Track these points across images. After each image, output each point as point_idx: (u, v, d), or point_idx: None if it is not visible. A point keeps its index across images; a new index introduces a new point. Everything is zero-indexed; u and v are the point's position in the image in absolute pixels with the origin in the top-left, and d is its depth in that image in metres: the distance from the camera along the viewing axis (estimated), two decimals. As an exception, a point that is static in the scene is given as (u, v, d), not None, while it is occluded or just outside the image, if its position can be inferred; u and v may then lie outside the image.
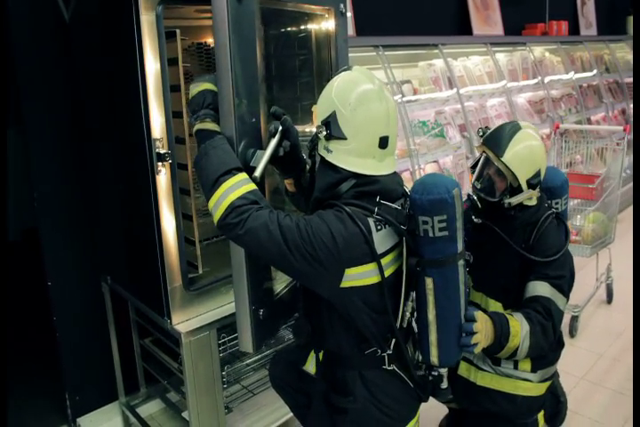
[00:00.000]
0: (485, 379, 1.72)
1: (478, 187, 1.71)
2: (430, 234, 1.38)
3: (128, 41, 1.58)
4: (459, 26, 4.25)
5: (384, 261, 1.35)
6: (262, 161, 1.38)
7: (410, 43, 3.59)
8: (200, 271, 1.87)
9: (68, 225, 2.23)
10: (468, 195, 1.73)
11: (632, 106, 5.56)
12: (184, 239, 1.77)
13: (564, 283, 1.64)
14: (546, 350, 1.64)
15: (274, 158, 1.41)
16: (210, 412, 1.88)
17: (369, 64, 3.11)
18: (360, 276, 1.32)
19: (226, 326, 1.87)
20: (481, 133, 1.74)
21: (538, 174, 1.65)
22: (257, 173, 1.36)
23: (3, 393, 1.67)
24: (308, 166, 1.56)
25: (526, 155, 1.63)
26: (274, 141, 1.40)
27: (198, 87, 1.43)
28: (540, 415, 1.81)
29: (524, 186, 1.64)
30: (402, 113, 3.17)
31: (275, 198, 1.81)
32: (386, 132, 1.34)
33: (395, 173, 1.43)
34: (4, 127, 2.04)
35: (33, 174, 2.12)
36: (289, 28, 2.06)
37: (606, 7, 6.37)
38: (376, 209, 1.33)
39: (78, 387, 2.35)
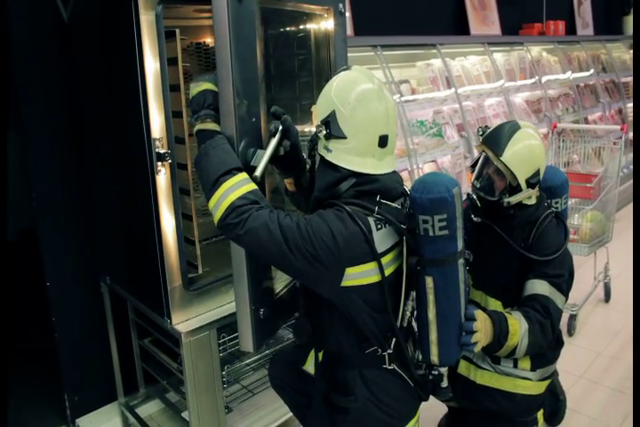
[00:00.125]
0: (485, 377, 1.72)
1: (478, 186, 1.71)
2: (430, 233, 1.38)
3: (127, 41, 1.58)
4: (456, 26, 4.26)
5: (384, 260, 1.35)
6: (263, 160, 1.38)
7: (408, 43, 3.60)
8: (200, 271, 1.87)
9: (67, 225, 2.22)
10: (468, 194, 1.74)
11: (631, 105, 5.57)
12: (184, 239, 1.76)
13: (563, 282, 1.65)
14: (544, 348, 1.65)
15: (274, 158, 1.42)
16: (210, 412, 1.88)
17: (367, 64, 3.10)
18: (360, 275, 1.33)
19: (226, 325, 1.87)
20: (480, 133, 1.74)
21: (537, 174, 1.65)
22: (257, 173, 1.36)
23: (2, 394, 1.66)
24: (307, 166, 1.57)
25: (525, 154, 1.63)
26: (274, 141, 1.41)
27: (198, 87, 1.43)
28: (540, 414, 1.81)
29: (523, 185, 1.64)
30: (400, 113, 3.18)
31: (275, 198, 1.81)
32: (385, 131, 1.35)
33: (394, 171, 1.43)
34: (3, 128, 2.03)
35: (31, 174, 2.11)
36: (288, 28, 2.06)
37: (603, 7, 6.39)
38: (376, 208, 1.33)
39: (77, 387, 2.34)
